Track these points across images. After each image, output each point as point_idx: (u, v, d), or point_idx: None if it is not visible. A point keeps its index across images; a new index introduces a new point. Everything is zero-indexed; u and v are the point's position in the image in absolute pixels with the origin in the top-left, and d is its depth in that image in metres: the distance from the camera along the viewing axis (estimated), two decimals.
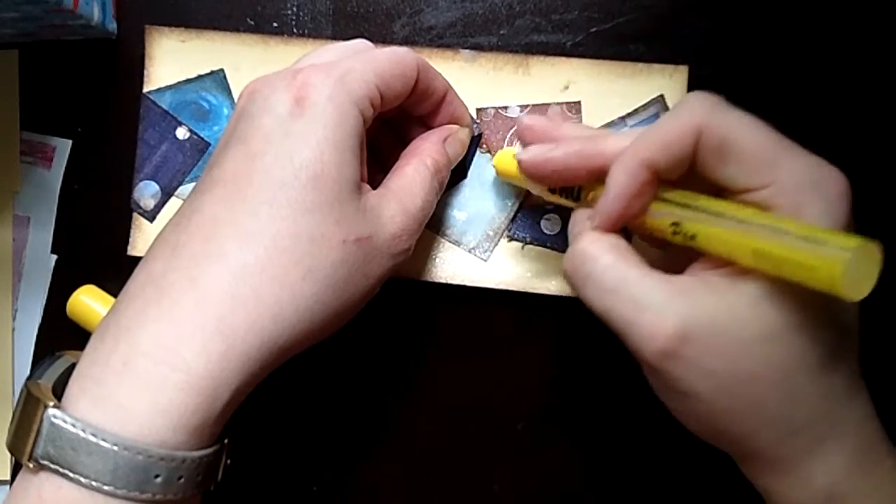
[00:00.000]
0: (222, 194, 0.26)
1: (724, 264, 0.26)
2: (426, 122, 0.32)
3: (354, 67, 0.28)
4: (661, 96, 0.35)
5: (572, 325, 0.35)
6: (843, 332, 0.26)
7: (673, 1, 0.35)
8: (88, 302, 0.35)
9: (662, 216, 0.27)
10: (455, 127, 0.33)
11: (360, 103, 0.27)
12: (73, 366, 0.26)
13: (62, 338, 0.36)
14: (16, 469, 0.36)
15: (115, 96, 0.36)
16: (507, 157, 0.32)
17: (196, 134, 0.35)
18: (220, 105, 0.36)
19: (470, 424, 0.35)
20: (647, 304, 0.25)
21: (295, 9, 0.35)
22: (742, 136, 0.25)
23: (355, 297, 0.27)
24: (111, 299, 0.35)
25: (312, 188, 0.26)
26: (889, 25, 0.35)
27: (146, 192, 0.35)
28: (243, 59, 0.35)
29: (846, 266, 0.21)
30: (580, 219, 0.29)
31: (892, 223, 0.35)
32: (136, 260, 0.35)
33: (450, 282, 0.34)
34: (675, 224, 0.26)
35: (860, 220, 0.34)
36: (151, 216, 0.35)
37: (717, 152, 0.25)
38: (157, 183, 0.35)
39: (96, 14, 0.34)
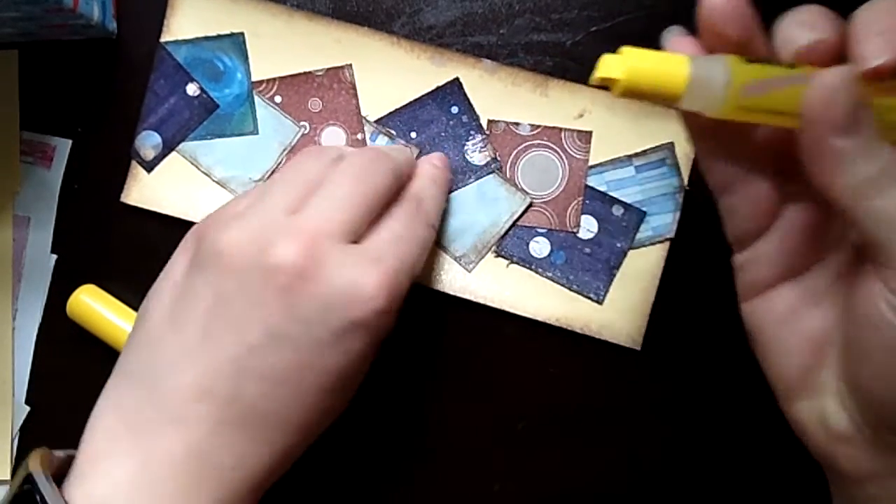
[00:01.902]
0: (273, 394, 0.27)
1: None
2: None
3: (408, 274, 0.29)
4: (672, 143, 0.35)
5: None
6: None
7: (673, 1, 0.35)
8: (88, 302, 0.35)
9: None
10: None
11: None
12: None
13: (62, 338, 0.36)
14: (15, 469, 0.36)
15: (115, 96, 0.36)
16: (662, 61, 0.23)
17: (206, 93, 0.35)
18: (235, 69, 0.35)
19: (470, 424, 0.35)
20: None
21: (295, 7, 0.35)
22: None
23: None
24: (111, 299, 0.35)
25: (355, 381, 0.29)
26: None
27: (147, 142, 0.35)
28: (265, 27, 0.35)
29: None
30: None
31: None
32: (131, 226, 0.35)
33: (430, 286, 0.35)
34: None
35: None
36: (150, 167, 0.35)
37: None
38: (160, 135, 0.35)
39: (96, 14, 0.34)
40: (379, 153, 0.31)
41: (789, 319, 0.26)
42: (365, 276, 0.27)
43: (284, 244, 0.26)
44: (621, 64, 0.23)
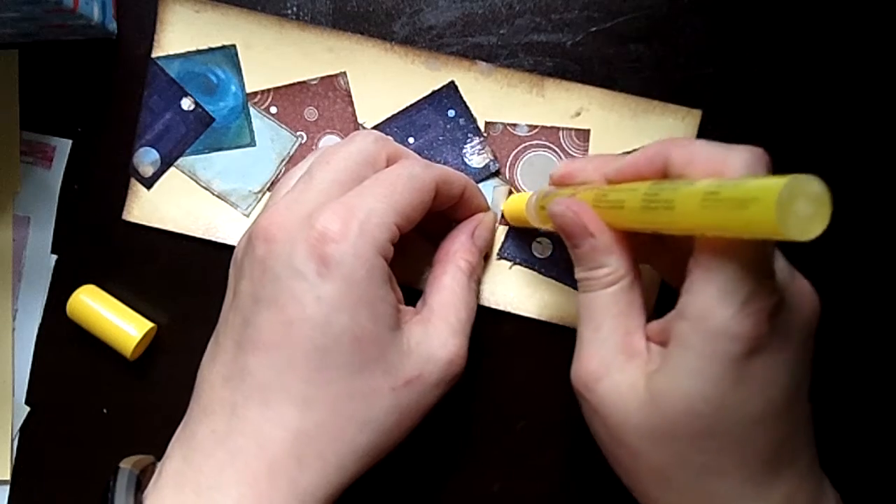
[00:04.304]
0: (268, 361, 0.27)
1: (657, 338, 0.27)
2: (447, 215, 0.33)
3: (374, 209, 0.28)
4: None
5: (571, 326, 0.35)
6: (731, 449, 0.25)
7: (673, 1, 0.35)
8: (88, 302, 0.35)
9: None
10: (480, 216, 0.33)
11: (383, 249, 0.28)
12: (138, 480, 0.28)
13: (62, 338, 0.36)
14: (16, 469, 0.36)
15: (115, 96, 0.36)
16: (521, 201, 0.33)
17: (201, 107, 0.35)
18: (228, 81, 0.35)
19: (470, 424, 0.35)
20: (600, 337, 0.28)
21: (295, 8, 0.35)
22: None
23: (408, 430, 0.29)
24: (111, 299, 0.35)
25: (356, 350, 0.27)
26: (889, 25, 0.35)
27: (146, 158, 0.35)
28: (256, 38, 0.35)
29: (783, 189, 0.19)
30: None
31: (890, 224, 0.35)
32: (131, 226, 0.35)
33: None
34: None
35: (859, 220, 0.34)
36: (149, 183, 0.35)
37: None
38: (158, 151, 0.35)
39: (96, 14, 0.34)
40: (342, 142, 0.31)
41: None
42: (322, 219, 0.27)
43: (256, 223, 0.29)
44: (506, 206, 0.35)
